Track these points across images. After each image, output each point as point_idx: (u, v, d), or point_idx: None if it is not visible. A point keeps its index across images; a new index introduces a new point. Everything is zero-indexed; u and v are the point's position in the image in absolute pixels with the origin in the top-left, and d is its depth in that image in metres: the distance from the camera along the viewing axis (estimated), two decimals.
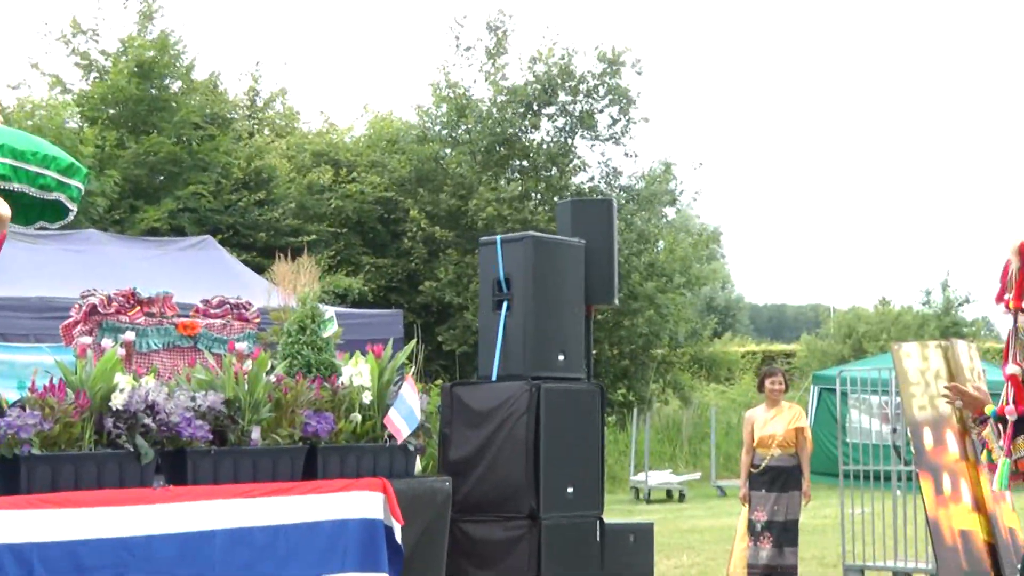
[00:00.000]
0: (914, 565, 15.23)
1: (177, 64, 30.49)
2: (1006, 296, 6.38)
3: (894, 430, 16.38)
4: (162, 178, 29.26)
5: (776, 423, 14.95)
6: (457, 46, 34.13)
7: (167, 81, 30.17)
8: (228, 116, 31.92)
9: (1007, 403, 6.16)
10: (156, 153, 28.49)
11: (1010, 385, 6.22)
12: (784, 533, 14.74)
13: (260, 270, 16.66)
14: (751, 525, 14.90)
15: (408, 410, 8.38)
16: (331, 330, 8.76)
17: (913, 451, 14.83)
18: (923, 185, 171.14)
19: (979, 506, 14.83)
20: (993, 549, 14.62)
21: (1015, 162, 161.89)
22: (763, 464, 14.83)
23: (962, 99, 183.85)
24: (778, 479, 14.78)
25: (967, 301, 51.05)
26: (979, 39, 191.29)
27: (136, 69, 28.86)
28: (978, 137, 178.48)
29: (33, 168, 9.63)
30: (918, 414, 14.87)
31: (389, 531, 7.97)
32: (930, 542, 14.55)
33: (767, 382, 15.52)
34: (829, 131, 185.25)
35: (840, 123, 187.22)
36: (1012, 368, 6.29)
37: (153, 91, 29.42)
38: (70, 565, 6.62)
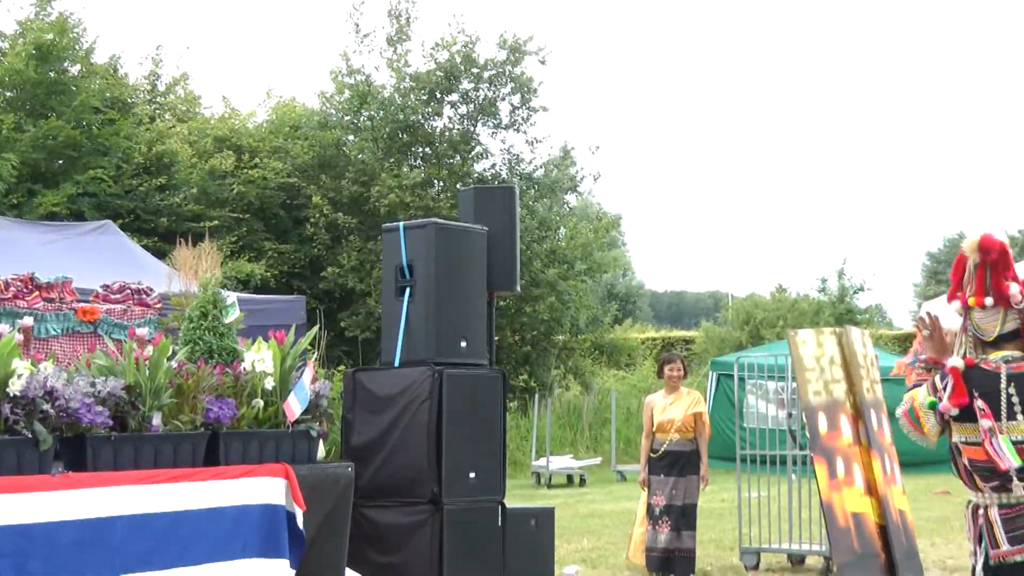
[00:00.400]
0: (808, 547, 15.37)
1: (76, 47, 30.02)
2: (959, 293, 6.49)
3: (790, 415, 16.51)
4: (61, 162, 28.76)
5: (675, 409, 15.04)
6: (357, 32, 34.02)
7: (66, 64, 29.70)
8: (129, 100, 31.54)
9: (943, 397, 6.27)
10: (55, 137, 27.91)
11: (951, 377, 6.30)
12: (682, 517, 14.83)
13: (161, 255, 16.55)
14: (650, 509, 14.98)
15: (304, 394, 8.33)
16: (233, 316, 8.68)
17: (808, 436, 14.95)
18: (820, 175, 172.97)
19: (871, 489, 14.99)
20: (884, 531, 14.79)
21: (910, 155, 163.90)
22: (662, 449, 14.92)
23: (860, 95, 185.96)
24: (677, 464, 14.86)
25: (861, 289, 51.59)
26: (885, 32, 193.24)
27: (34, 52, 28.24)
28: (873, 130, 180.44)
29: None
30: (813, 399, 14.99)
31: (291, 517, 7.92)
32: (824, 525, 14.69)
33: (666, 368, 15.63)
34: (729, 121, 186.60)
35: (739, 113, 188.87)
36: (955, 361, 6.40)
37: (52, 74, 28.87)
38: None
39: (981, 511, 6.35)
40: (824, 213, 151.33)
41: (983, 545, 6.28)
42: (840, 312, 47.64)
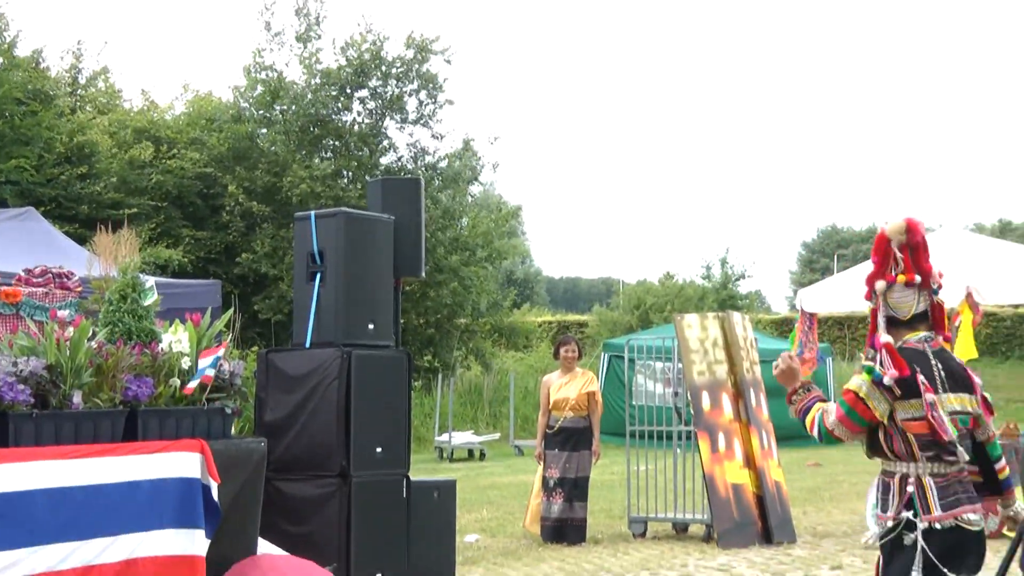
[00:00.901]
0: (692, 516, 15.51)
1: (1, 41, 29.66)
2: (884, 272, 6.51)
3: (676, 393, 16.61)
4: None
5: (570, 388, 15.16)
6: (268, 30, 33.99)
7: None
8: (50, 93, 31.30)
9: (886, 368, 6.24)
10: None
11: (886, 351, 6.32)
12: (575, 489, 14.95)
13: (82, 241, 16.36)
14: (545, 482, 15.10)
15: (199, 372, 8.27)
16: (151, 299, 8.57)
17: (692, 412, 15.08)
18: (706, 168, 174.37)
19: (749, 462, 15.18)
20: (761, 500, 14.99)
21: (787, 151, 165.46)
22: (557, 425, 15.03)
23: (739, 97, 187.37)
24: (571, 439, 14.97)
25: (742, 276, 52.21)
26: (764, 30, 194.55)
27: None
28: (752, 127, 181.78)
29: None
30: (697, 379, 15.15)
31: (206, 489, 7.85)
32: (706, 495, 14.83)
33: (562, 350, 15.75)
34: (622, 117, 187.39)
35: (631, 110, 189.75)
36: (885, 337, 6.42)
37: None
38: None
39: (912, 479, 6.38)
40: (709, 205, 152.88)
41: (913, 511, 6.32)
42: (723, 298, 48.15)
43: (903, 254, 6.47)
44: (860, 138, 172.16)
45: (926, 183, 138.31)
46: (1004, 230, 76.49)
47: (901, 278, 6.44)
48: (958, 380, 6.42)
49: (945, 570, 6.28)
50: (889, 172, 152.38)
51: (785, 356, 6.70)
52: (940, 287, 6.54)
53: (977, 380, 6.56)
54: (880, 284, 6.48)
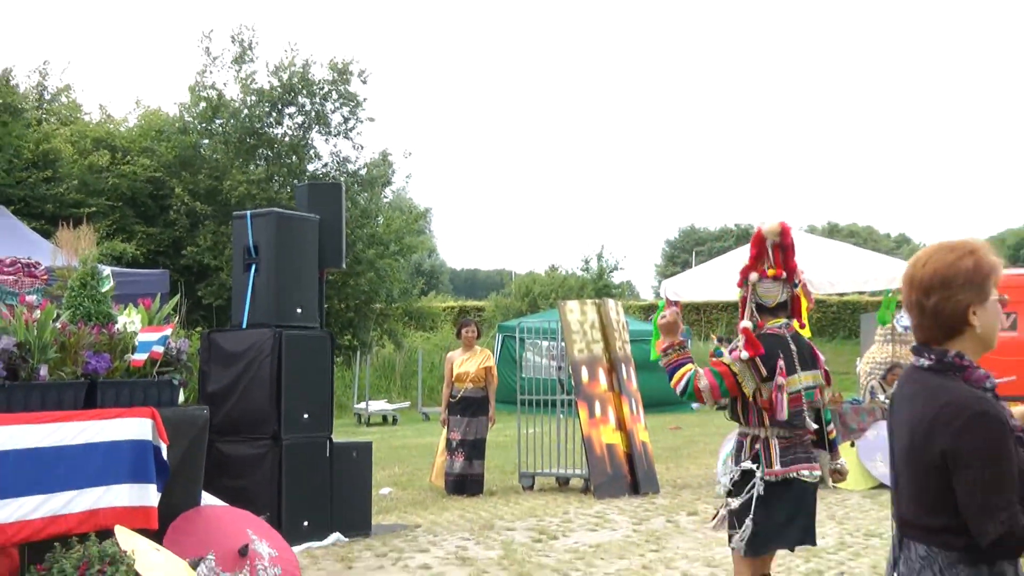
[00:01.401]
0: (572, 471, 15.60)
1: None
2: (758, 266, 6.60)
3: (559, 368, 16.69)
4: None
5: (470, 363, 15.24)
6: (208, 55, 33.92)
7: None
8: (19, 106, 30.86)
9: (739, 350, 6.39)
10: None
11: (743, 336, 6.43)
12: (473, 449, 15.03)
13: (47, 236, 16.11)
14: (448, 443, 15.16)
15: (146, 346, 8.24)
16: (108, 286, 8.51)
17: (573, 384, 15.16)
18: (585, 175, 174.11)
19: (621, 426, 15.30)
20: (630, 457, 15.12)
21: (652, 158, 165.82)
22: (459, 395, 15.10)
23: (613, 108, 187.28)
24: (470, 407, 15.05)
25: (615, 268, 52.47)
26: (639, 39, 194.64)
27: None
28: (625, 136, 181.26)
29: None
30: (577, 356, 15.24)
31: (157, 450, 7.82)
32: (584, 454, 14.93)
33: (463, 331, 15.82)
34: (516, 133, 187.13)
35: (524, 127, 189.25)
36: (746, 322, 6.54)
37: None
38: None
39: (760, 440, 6.50)
40: (588, 207, 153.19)
41: (759, 464, 6.45)
42: (599, 287, 48.37)
43: (774, 252, 6.60)
44: (714, 148, 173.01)
45: (769, 189, 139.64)
46: (832, 231, 77.81)
47: (771, 272, 6.57)
48: (807, 359, 6.59)
49: (776, 514, 6.41)
50: (737, 180, 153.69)
51: (673, 310, 6.80)
52: (800, 282, 6.66)
53: (821, 357, 6.72)
54: (753, 276, 6.60)
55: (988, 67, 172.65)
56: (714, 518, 6.88)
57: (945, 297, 3.32)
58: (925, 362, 3.39)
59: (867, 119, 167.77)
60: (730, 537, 6.57)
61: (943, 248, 3.39)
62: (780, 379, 6.41)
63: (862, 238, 73.16)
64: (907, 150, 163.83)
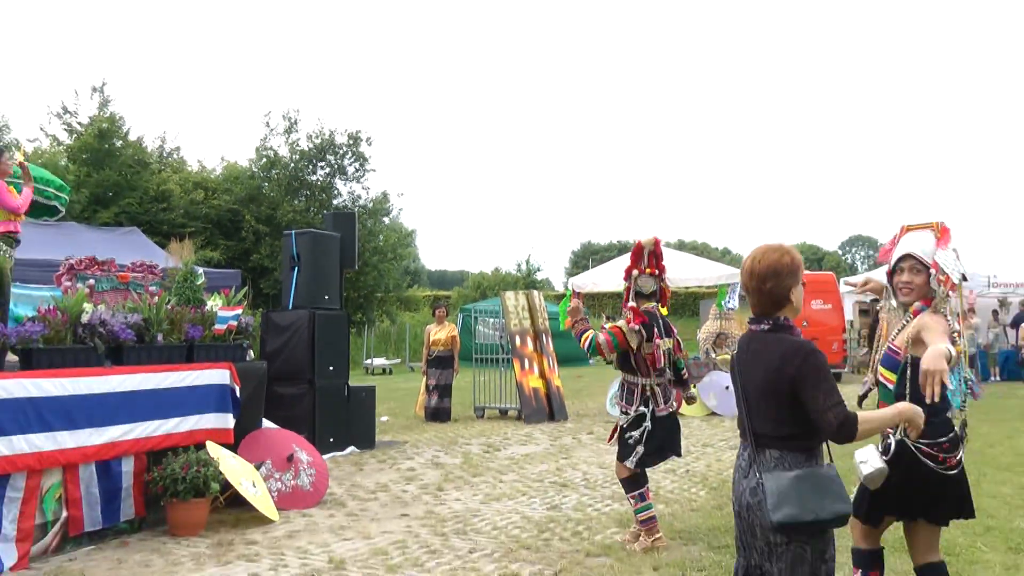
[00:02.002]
0: (510, 406, 15.67)
1: (121, 132, 30.49)
2: (639, 265, 6.69)
3: (501, 336, 16.83)
4: (111, 194, 28.99)
5: (441, 333, 15.28)
6: (267, 125, 34.51)
7: (117, 142, 30.01)
8: (147, 161, 31.34)
9: (629, 319, 6.53)
10: (108, 181, 28.68)
11: (631, 311, 6.58)
12: (444, 390, 15.10)
13: (163, 247, 16.17)
14: (427, 386, 15.22)
15: (224, 319, 8.32)
16: (200, 280, 8.60)
17: (512, 347, 15.30)
18: (519, 202, 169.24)
19: (542, 375, 15.41)
20: (548, 396, 15.22)
21: (567, 187, 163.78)
22: (434, 355, 15.15)
23: (537, 142, 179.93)
24: (441, 362, 15.12)
25: (539, 269, 52.52)
26: (559, 61, 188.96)
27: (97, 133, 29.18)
28: (545, 164, 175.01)
29: (39, 186, 9.42)
30: (513, 328, 15.36)
31: (233, 391, 7.91)
32: (518, 393, 15.05)
33: (436, 311, 15.89)
34: (479, 164, 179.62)
35: (484, 155, 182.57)
36: (632, 303, 6.63)
37: (106, 146, 29.47)
38: (58, 409, 6.43)
39: (647, 386, 6.54)
40: (521, 225, 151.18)
41: (649, 405, 6.49)
42: (528, 282, 48.47)
43: (649, 257, 6.77)
44: (606, 183, 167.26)
45: (640, 215, 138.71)
46: (681, 245, 78.09)
47: (648, 271, 6.73)
48: (668, 330, 6.72)
49: (657, 439, 6.51)
50: (621, 207, 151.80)
51: (576, 300, 6.90)
52: (664, 278, 6.83)
53: (675, 328, 6.88)
54: (635, 272, 6.74)
55: (792, 111, 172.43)
56: (610, 439, 6.84)
57: (776, 283, 3.35)
58: (765, 326, 3.40)
59: (701, 161, 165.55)
60: (623, 455, 6.56)
61: (770, 249, 3.41)
62: (657, 341, 6.58)
63: (700, 250, 73.62)
64: (731, 187, 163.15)
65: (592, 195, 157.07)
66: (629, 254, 6.89)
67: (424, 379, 15.46)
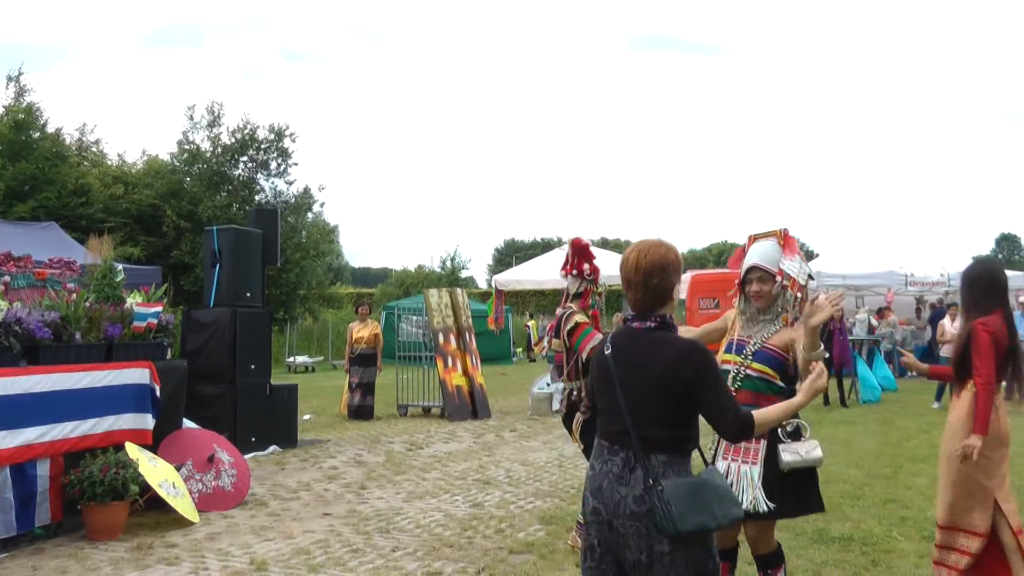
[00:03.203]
0: (433, 403, 15.67)
1: (38, 123, 29.76)
2: (567, 266, 6.73)
3: (424, 334, 16.81)
4: (28, 188, 28.33)
5: (363, 331, 15.26)
6: (191, 119, 34.17)
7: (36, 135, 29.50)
8: (66, 154, 30.95)
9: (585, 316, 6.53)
10: (25, 174, 28.02)
11: (593, 316, 6.60)
12: (367, 388, 15.09)
13: (82, 243, 15.83)
14: (350, 384, 15.20)
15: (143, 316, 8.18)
16: (120, 277, 8.41)
17: (435, 344, 15.30)
18: (445, 201, 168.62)
19: (465, 372, 15.46)
20: (471, 394, 15.28)
21: (491, 187, 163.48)
22: (357, 352, 15.12)
23: (461, 145, 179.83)
24: (364, 360, 15.10)
25: (464, 268, 52.50)
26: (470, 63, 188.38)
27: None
28: (480, 134, 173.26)
29: None
30: (437, 326, 15.36)
31: (153, 391, 7.77)
32: (441, 391, 15.07)
33: (360, 309, 15.88)
34: (398, 169, 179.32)
35: (402, 163, 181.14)
36: (566, 305, 6.63)
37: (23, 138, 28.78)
38: None
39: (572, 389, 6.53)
40: (446, 223, 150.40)
41: (578, 392, 6.45)
42: (452, 280, 48.39)
43: (573, 257, 6.78)
44: (530, 181, 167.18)
45: (565, 213, 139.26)
46: (603, 243, 78.81)
47: (572, 270, 6.74)
48: (595, 325, 6.72)
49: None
50: (545, 206, 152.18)
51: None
52: (593, 279, 6.83)
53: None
54: (561, 273, 6.80)
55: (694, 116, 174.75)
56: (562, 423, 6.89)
57: (663, 278, 3.24)
58: (651, 324, 3.25)
59: (626, 158, 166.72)
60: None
61: (655, 244, 3.31)
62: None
63: (623, 247, 74.33)
64: (654, 184, 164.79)
65: (516, 192, 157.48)
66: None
67: (347, 377, 15.38)
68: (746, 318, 4.71)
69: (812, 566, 5.94)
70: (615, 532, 3.15)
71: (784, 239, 4.69)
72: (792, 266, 4.60)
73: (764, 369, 4.45)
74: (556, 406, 6.19)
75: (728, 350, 4.66)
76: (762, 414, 3.25)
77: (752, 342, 4.59)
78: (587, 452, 6.63)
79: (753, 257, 4.68)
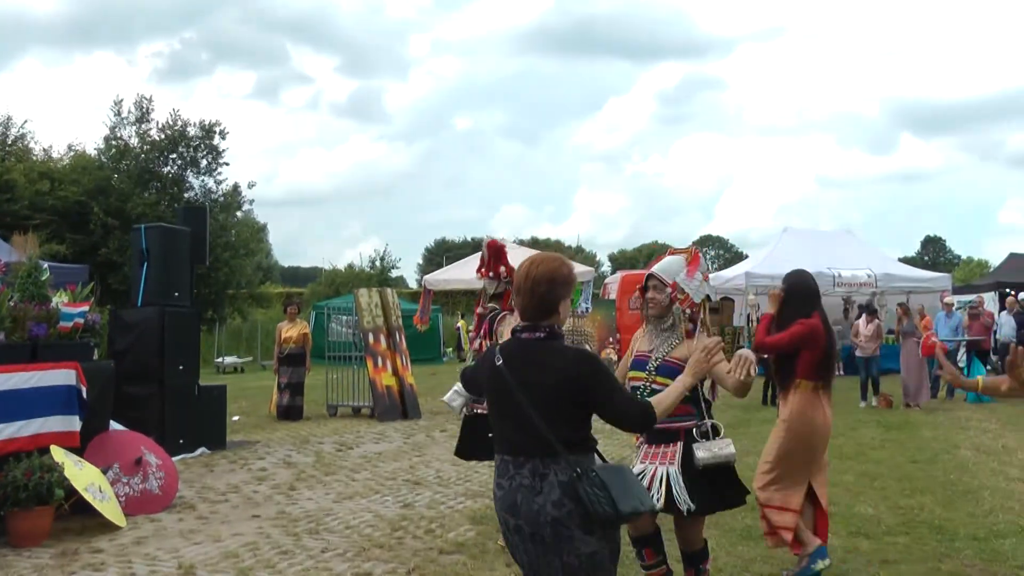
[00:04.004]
0: (363, 403, 15.61)
1: None
2: (483, 268, 6.82)
3: (354, 333, 16.73)
4: None
5: (292, 330, 15.16)
6: (118, 114, 33.48)
7: None
8: None
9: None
10: None
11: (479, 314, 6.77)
12: (296, 388, 14.98)
13: (6, 240, 15.40)
14: (279, 384, 15.09)
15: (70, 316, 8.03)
16: (46, 276, 8.22)
17: (365, 344, 15.26)
18: (376, 199, 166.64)
19: (395, 372, 15.43)
20: (402, 394, 15.25)
21: (436, 159, 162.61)
22: (285, 352, 15.01)
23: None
24: (293, 360, 15.01)
25: (393, 267, 52.13)
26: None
27: None
28: (411, 131, 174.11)
29: None
30: (367, 326, 15.33)
31: (79, 392, 7.60)
32: (371, 391, 15.01)
33: (288, 308, 15.78)
34: (325, 175, 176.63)
35: (335, 170, 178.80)
36: (480, 309, 6.77)
37: None
38: None
39: None
40: (376, 221, 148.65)
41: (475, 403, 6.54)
42: (383, 279, 48.08)
43: (488, 260, 6.84)
44: (461, 169, 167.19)
45: (489, 208, 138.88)
46: (534, 243, 79.12)
47: (491, 273, 6.80)
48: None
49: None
50: (476, 201, 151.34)
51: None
52: (510, 280, 6.91)
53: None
54: (477, 276, 6.91)
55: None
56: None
57: (550, 289, 3.28)
58: (541, 334, 3.29)
59: (556, 156, 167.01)
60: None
61: (550, 257, 3.37)
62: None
63: (553, 248, 74.73)
64: (585, 185, 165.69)
65: (446, 192, 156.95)
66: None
67: (276, 377, 15.24)
68: (648, 332, 4.96)
69: (741, 562, 6.08)
70: (540, 544, 3.17)
71: (692, 258, 4.99)
72: (689, 284, 4.89)
73: (668, 382, 4.54)
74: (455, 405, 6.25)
75: (632, 367, 4.93)
76: (658, 399, 3.45)
77: (653, 356, 4.84)
78: (465, 447, 6.87)
79: (655, 267, 5.00)
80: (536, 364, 3.24)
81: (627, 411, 3.23)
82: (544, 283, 3.29)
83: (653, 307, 4.89)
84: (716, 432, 4.72)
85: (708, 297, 5.06)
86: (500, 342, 3.60)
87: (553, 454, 3.16)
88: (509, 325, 6.57)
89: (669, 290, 4.85)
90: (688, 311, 4.89)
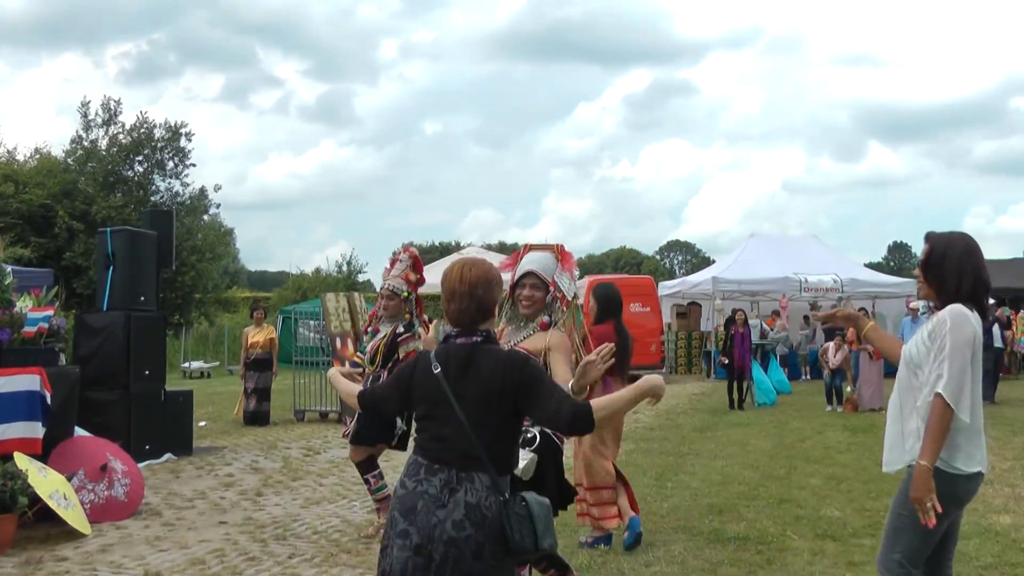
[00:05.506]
0: (330, 409, 15.53)
1: None
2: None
3: (321, 338, 16.64)
4: None
5: (259, 335, 15.12)
6: (85, 116, 33.31)
7: None
8: None
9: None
10: None
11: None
12: (263, 393, 14.91)
13: None
14: (245, 389, 15.00)
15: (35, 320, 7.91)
16: (9, 280, 8.09)
17: (332, 349, 15.17)
18: (345, 206, 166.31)
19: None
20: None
21: (403, 163, 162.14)
22: (252, 357, 14.93)
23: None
24: (260, 365, 14.93)
25: (360, 272, 51.92)
26: None
27: None
28: (376, 135, 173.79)
29: None
30: (334, 330, 15.22)
31: (43, 397, 7.48)
32: (338, 396, 14.89)
33: (255, 313, 15.75)
34: (297, 177, 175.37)
35: (305, 172, 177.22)
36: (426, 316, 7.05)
37: None
38: None
39: None
40: (343, 228, 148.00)
41: None
42: (349, 284, 47.88)
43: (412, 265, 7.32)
44: (430, 173, 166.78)
45: (456, 212, 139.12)
46: (502, 249, 79.27)
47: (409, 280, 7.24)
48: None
49: None
50: (444, 205, 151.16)
51: None
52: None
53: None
54: (400, 280, 7.49)
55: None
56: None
57: (487, 291, 3.24)
58: (478, 338, 3.20)
59: (520, 160, 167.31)
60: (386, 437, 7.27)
61: (478, 259, 3.34)
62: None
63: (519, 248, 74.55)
64: (552, 188, 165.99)
65: (415, 196, 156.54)
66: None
67: (243, 382, 15.12)
68: (512, 327, 4.70)
69: (708, 565, 6.09)
70: (425, 558, 3.00)
71: (561, 254, 4.82)
72: (564, 281, 4.72)
73: None
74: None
75: None
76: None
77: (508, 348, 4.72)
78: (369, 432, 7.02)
79: (530, 264, 4.75)
80: (472, 370, 3.15)
81: (558, 410, 3.04)
82: (481, 284, 3.25)
83: (528, 305, 4.63)
84: (531, 443, 4.42)
85: (576, 295, 4.85)
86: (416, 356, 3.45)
87: (471, 468, 3.06)
88: (418, 346, 6.66)
89: (551, 288, 4.65)
90: (564, 309, 4.69)
